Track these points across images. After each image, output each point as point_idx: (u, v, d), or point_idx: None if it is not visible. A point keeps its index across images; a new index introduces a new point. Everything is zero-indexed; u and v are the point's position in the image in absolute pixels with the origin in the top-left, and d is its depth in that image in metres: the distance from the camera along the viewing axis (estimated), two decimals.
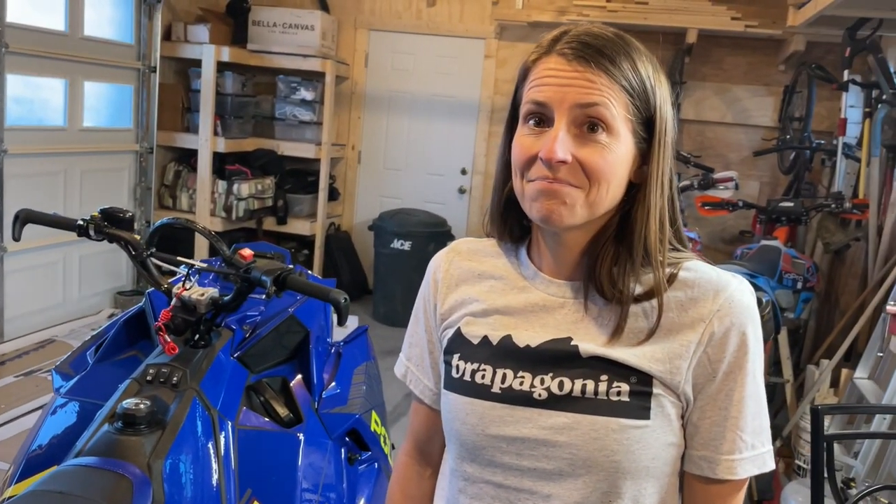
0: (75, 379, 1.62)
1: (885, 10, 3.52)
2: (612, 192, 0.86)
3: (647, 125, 0.87)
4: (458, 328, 0.98)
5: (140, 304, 1.74)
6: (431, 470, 1.12)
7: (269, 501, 1.44)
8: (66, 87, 4.29)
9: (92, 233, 1.55)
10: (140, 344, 1.71)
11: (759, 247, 3.68)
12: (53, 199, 4.26)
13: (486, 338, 0.94)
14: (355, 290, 5.56)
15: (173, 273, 1.64)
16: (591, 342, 0.88)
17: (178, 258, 1.55)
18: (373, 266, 5.39)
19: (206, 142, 4.91)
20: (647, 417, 0.85)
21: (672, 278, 0.88)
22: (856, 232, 3.93)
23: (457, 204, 5.64)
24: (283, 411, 1.54)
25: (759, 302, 3.15)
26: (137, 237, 1.58)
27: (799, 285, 3.60)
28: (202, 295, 1.49)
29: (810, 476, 1.46)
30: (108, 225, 1.57)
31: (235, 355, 1.58)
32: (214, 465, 1.36)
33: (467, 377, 0.93)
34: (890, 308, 2.18)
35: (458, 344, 0.97)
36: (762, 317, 3.13)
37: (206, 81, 4.86)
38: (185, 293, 1.48)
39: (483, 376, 0.92)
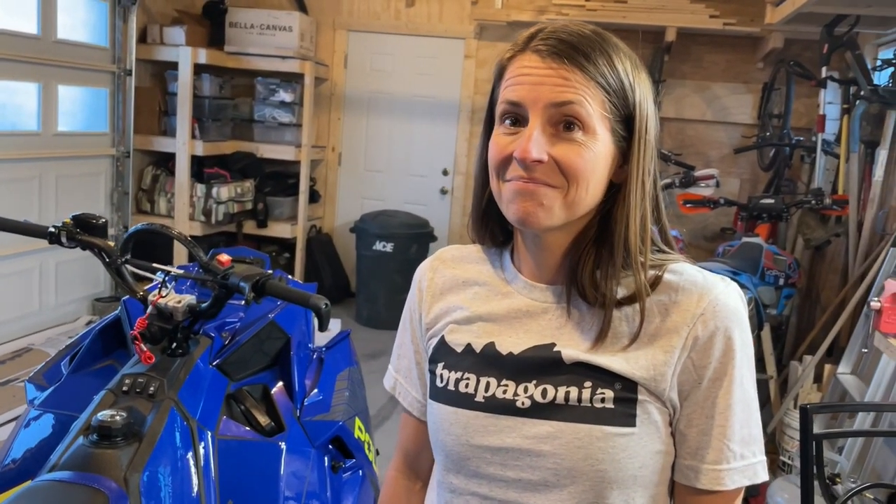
0: (49, 390, 1.57)
1: (862, 6, 3.54)
2: (591, 191, 0.84)
3: (626, 123, 0.85)
4: (442, 336, 0.96)
5: (116, 311, 1.70)
6: (421, 484, 1.09)
7: None
8: (39, 91, 4.22)
9: (64, 240, 1.51)
10: (116, 353, 1.67)
11: (741, 244, 3.69)
12: (28, 206, 4.18)
13: (469, 346, 0.92)
14: (338, 293, 5.52)
15: (151, 280, 1.60)
16: (574, 348, 0.86)
17: (154, 265, 1.51)
18: (355, 268, 5.35)
19: (183, 145, 4.85)
20: (633, 425, 0.83)
21: (656, 281, 0.86)
22: (836, 228, 3.95)
23: (439, 205, 5.62)
24: (264, 420, 1.51)
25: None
26: (111, 244, 1.54)
27: (781, 282, 3.61)
28: (179, 302, 1.45)
29: (800, 476, 1.45)
30: (81, 231, 1.53)
31: (214, 363, 1.54)
32: (194, 477, 1.33)
33: (451, 386, 0.91)
34: (873, 304, 2.18)
35: (442, 353, 0.95)
36: None
37: (183, 84, 4.80)
38: (162, 300, 1.44)
39: (467, 385, 0.90)
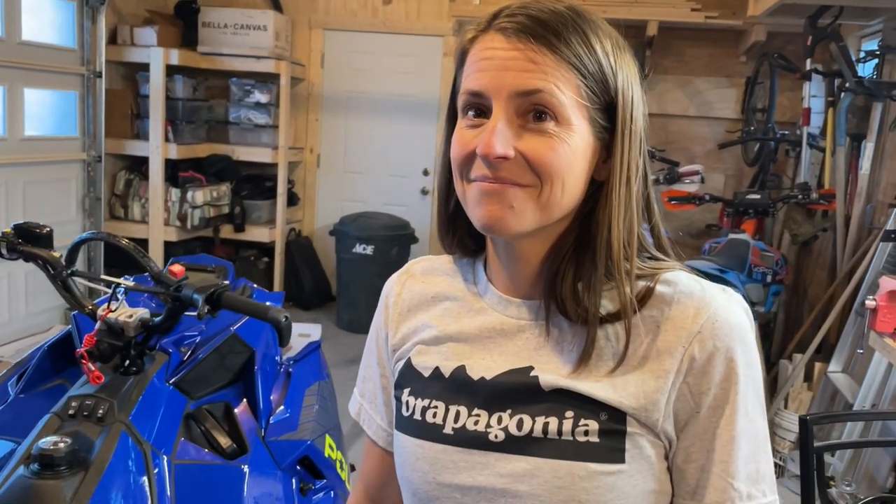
0: None
1: None
2: (568, 190, 0.73)
3: (608, 112, 0.75)
4: (409, 359, 0.86)
5: (68, 327, 1.59)
6: None
7: None
8: (4, 94, 4.07)
9: (4, 251, 1.40)
10: (68, 371, 1.56)
11: (728, 241, 3.61)
12: None
13: (437, 370, 0.82)
14: (318, 297, 5.41)
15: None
16: (553, 372, 0.76)
17: (103, 276, 1.41)
18: (335, 272, 5.25)
19: (157, 149, 4.73)
20: (622, 461, 0.72)
21: (646, 294, 0.76)
22: (823, 222, 3.89)
23: (420, 205, 5.52)
24: (225, 441, 1.41)
25: None
26: (57, 255, 1.43)
27: (768, 279, 3.54)
28: (130, 317, 1.34)
29: (801, 489, 1.37)
30: (23, 242, 1.42)
31: (172, 381, 1.44)
32: None
33: (417, 415, 0.81)
34: (868, 303, 2.11)
35: (409, 377, 0.85)
36: None
37: (155, 86, 4.68)
38: (111, 315, 1.34)
39: (434, 414, 0.80)
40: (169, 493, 1.28)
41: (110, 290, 1.38)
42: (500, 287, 0.83)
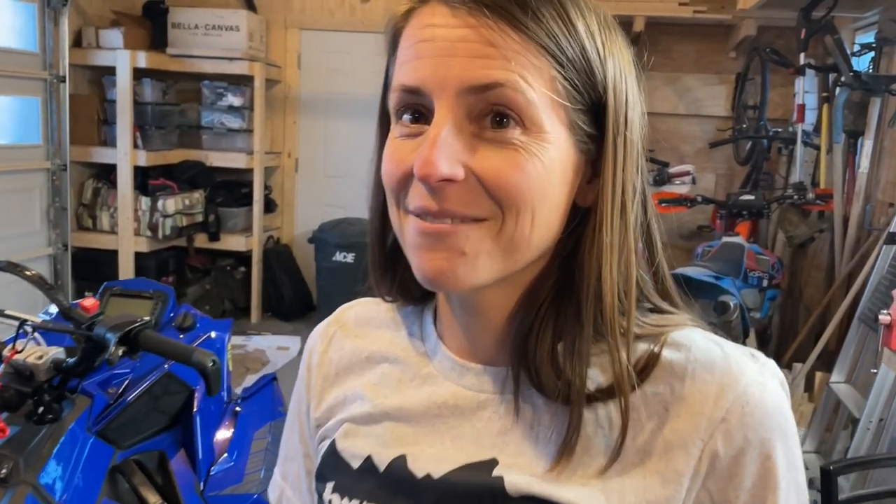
0: None
1: None
2: (540, 224, 0.55)
3: (594, 114, 0.56)
4: (334, 442, 0.66)
5: None
6: None
7: None
8: None
9: None
10: None
11: (721, 244, 3.45)
12: None
13: (370, 460, 0.63)
14: (298, 308, 5.21)
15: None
16: (524, 470, 0.57)
17: (7, 311, 1.22)
18: (315, 281, 5.06)
19: (125, 155, 4.52)
20: None
21: (651, 362, 0.57)
22: (819, 223, 3.73)
23: None
24: (154, 500, 1.22)
25: (726, 307, 2.93)
26: None
27: (764, 283, 3.38)
28: (40, 358, 1.16)
29: None
30: None
31: (95, 429, 1.25)
32: None
33: None
34: (882, 318, 1.94)
35: (332, 467, 0.65)
36: (729, 323, 2.91)
37: (122, 90, 4.47)
38: (18, 357, 1.15)
39: None
40: None
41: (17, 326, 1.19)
42: (455, 347, 0.64)
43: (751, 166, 4.44)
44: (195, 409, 1.32)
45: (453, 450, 0.60)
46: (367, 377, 0.68)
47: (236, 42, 4.76)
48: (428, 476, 0.59)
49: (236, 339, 4.50)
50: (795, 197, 3.50)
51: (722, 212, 3.77)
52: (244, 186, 5.09)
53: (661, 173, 3.79)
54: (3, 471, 1.08)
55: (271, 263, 5.15)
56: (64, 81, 4.45)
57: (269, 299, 5.14)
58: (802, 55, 3.73)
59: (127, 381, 1.32)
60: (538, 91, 0.52)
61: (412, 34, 0.55)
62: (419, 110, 0.55)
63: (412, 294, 0.67)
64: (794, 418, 0.57)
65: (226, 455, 1.36)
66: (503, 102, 0.52)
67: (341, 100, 5.30)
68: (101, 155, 4.66)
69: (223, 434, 1.40)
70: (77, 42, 4.63)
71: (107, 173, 4.75)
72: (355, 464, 0.63)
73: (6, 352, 1.16)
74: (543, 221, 0.55)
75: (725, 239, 3.46)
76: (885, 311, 1.92)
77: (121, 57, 4.46)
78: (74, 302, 1.19)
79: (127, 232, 4.60)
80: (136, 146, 4.57)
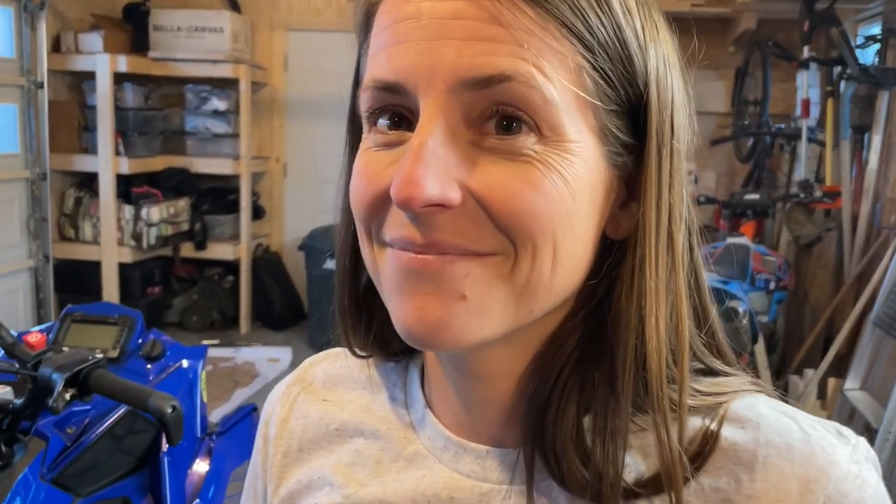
0: None
1: None
2: (564, 262, 0.42)
3: (632, 118, 0.44)
4: None
5: None
6: None
7: None
8: None
9: None
10: None
11: (726, 246, 3.33)
12: None
13: None
14: (289, 317, 5.07)
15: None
16: None
17: None
18: (307, 289, 4.92)
19: (107, 163, 4.37)
20: None
21: (708, 444, 0.43)
22: (827, 222, 3.61)
23: None
24: None
25: (735, 313, 2.81)
26: None
27: (771, 285, 3.27)
28: None
29: None
30: None
31: (50, 476, 1.11)
32: None
33: None
34: None
35: None
36: (738, 330, 2.78)
37: (103, 95, 4.33)
38: None
39: None
40: None
41: None
42: (448, 420, 0.50)
43: (753, 164, 4.32)
44: (161, 452, 1.18)
45: None
46: (338, 455, 0.53)
47: (220, 44, 4.62)
48: None
49: (225, 352, 4.36)
50: (802, 195, 3.38)
51: (725, 212, 3.66)
52: (231, 193, 4.95)
53: None
54: None
55: (260, 272, 5.01)
56: (42, 88, 4.30)
57: (259, 309, 4.99)
58: (806, 48, 3.62)
59: (87, 420, 1.18)
60: (559, 86, 0.40)
61: (389, 12, 0.42)
62: (400, 113, 0.42)
63: (392, 347, 0.54)
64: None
65: (197, 501, 1.22)
66: (512, 101, 0.39)
67: (330, 102, 5.15)
68: (83, 163, 4.51)
69: (196, 474, 1.26)
70: (55, 47, 4.50)
71: (88, 182, 4.61)
72: None
73: None
74: (568, 259, 0.42)
75: (730, 240, 3.34)
76: None
77: (101, 61, 4.32)
78: (21, 333, 1.05)
79: (110, 242, 4.45)
80: (118, 153, 4.43)
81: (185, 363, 1.34)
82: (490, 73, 0.39)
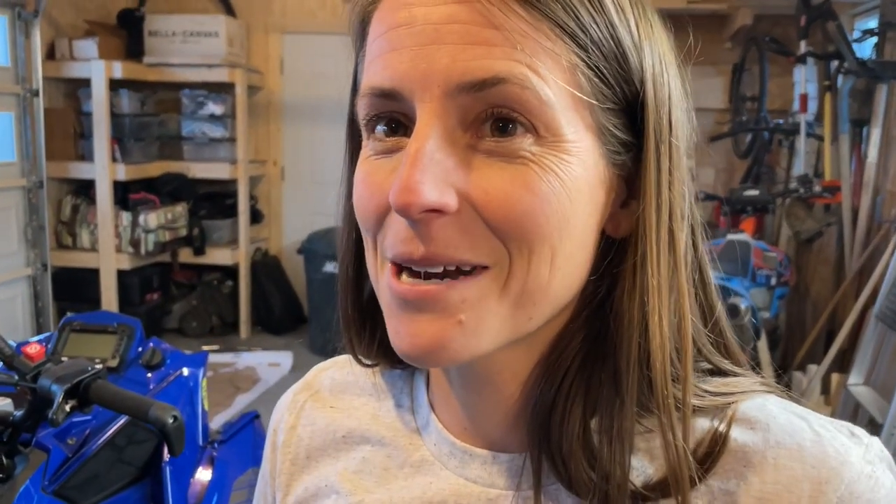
0: None
1: None
2: (563, 266, 0.42)
3: (629, 115, 0.43)
4: None
5: None
6: None
7: None
8: None
9: None
10: None
11: (726, 242, 3.32)
12: None
13: None
14: (289, 321, 5.05)
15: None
16: None
17: None
18: (306, 293, 4.90)
19: (103, 170, 4.36)
20: None
21: (716, 445, 0.43)
22: (827, 217, 3.60)
23: None
24: None
25: (737, 310, 2.80)
26: None
27: (773, 281, 3.27)
28: None
29: None
30: None
31: (52, 488, 1.10)
32: None
33: None
34: None
35: None
36: (741, 326, 2.77)
37: (98, 102, 4.31)
38: None
39: None
40: None
41: None
42: (453, 426, 0.50)
43: (752, 160, 4.31)
44: (163, 462, 1.17)
45: None
46: (345, 463, 0.53)
47: (215, 48, 4.61)
48: None
49: (225, 357, 4.34)
50: (801, 190, 3.37)
51: (725, 208, 3.65)
52: (228, 197, 4.94)
53: None
54: None
55: (259, 276, 5.00)
56: (38, 95, 4.28)
57: (259, 313, 4.98)
58: (803, 43, 3.61)
59: (88, 431, 1.17)
60: (554, 86, 0.40)
61: (384, 19, 0.42)
62: (397, 119, 0.42)
63: (397, 356, 0.53)
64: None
65: None
66: (507, 103, 0.40)
67: (326, 104, 5.14)
68: (79, 170, 4.49)
69: (199, 483, 1.25)
70: (50, 54, 4.48)
71: (85, 189, 4.59)
72: None
73: None
74: (567, 263, 0.42)
75: (730, 237, 3.34)
76: None
77: (96, 68, 4.30)
78: (20, 344, 1.04)
79: (108, 249, 4.43)
80: (114, 160, 4.41)
81: (185, 371, 1.32)
82: (484, 76, 0.39)
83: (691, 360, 0.43)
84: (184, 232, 4.68)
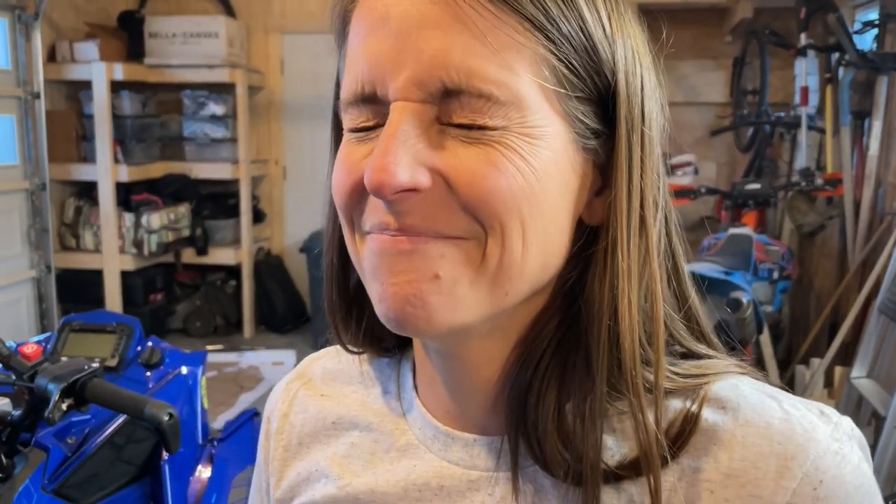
0: None
1: None
2: (536, 245, 0.43)
3: (600, 106, 0.45)
4: None
5: None
6: None
7: None
8: None
9: None
10: None
11: (728, 236, 3.31)
12: None
13: None
14: (292, 319, 5.07)
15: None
16: None
17: None
18: (309, 291, 4.91)
19: (106, 171, 4.37)
20: None
21: (688, 425, 0.44)
22: (829, 210, 3.59)
23: None
24: None
25: (739, 304, 2.78)
26: None
27: (775, 275, 3.25)
28: None
29: None
30: None
31: (51, 487, 1.10)
32: None
33: None
34: None
35: None
36: (743, 320, 2.76)
37: (100, 103, 4.33)
38: None
39: None
40: None
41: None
42: (437, 410, 0.51)
43: (753, 153, 4.30)
44: (163, 460, 1.17)
45: None
46: (334, 448, 0.55)
47: (216, 49, 4.62)
48: None
49: (229, 357, 4.35)
50: (803, 183, 3.36)
51: (727, 202, 3.64)
52: (231, 197, 4.95)
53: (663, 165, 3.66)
54: None
55: (262, 275, 5.01)
56: (39, 98, 4.30)
57: (262, 312, 4.99)
58: (803, 35, 3.60)
59: (87, 430, 1.18)
60: (523, 77, 0.42)
61: (362, 19, 0.44)
62: (374, 108, 0.44)
63: (385, 343, 0.55)
64: (880, 494, 0.43)
65: None
66: (476, 93, 0.42)
67: (327, 103, 5.11)
68: (81, 172, 4.51)
69: (198, 481, 1.26)
70: (51, 56, 4.50)
71: (88, 191, 4.61)
72: None
73: None
74: (539, 242, 0.43)
75: (732, 230, 3.33)
76: None
77: (97, 70, 4.32)
78: (18, 344, 1.04)
79: (111, 250, 4.45)
80: (116, 161, 4.43)
81: (184, 370, 1.33)
82: (454, 67, 0.40)
83: (663, 343, 0.44)
84: (186, 232, 4.70)
